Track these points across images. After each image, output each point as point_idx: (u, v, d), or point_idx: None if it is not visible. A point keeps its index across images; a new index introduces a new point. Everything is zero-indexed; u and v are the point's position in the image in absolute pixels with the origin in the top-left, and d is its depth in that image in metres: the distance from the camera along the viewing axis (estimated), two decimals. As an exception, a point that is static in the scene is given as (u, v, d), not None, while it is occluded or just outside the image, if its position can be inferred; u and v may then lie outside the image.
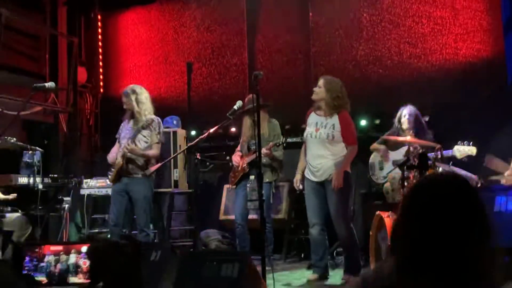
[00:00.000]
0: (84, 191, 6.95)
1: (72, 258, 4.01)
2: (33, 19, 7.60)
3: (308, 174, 5.19)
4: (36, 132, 7.63)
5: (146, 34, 8.67)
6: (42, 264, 4.07)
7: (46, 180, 6.28)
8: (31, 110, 7.24)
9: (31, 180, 5.95)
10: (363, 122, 7.02)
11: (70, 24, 8.52)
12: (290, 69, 7.76)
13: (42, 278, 4.09)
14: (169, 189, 6.70)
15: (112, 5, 8.84)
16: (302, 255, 6.76)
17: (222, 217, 7.06)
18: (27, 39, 7.60)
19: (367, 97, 7.03)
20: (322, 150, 5.07)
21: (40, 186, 6.04)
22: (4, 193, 5.84)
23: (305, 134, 5.25)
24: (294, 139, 6.35)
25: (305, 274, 5.52)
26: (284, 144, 5.67)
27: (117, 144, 5.68)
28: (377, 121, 6.91)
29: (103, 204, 7.08)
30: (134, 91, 5.58)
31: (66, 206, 6.77)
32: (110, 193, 6.26)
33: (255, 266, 3.42)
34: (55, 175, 6.67)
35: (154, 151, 5.53)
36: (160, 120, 5.63)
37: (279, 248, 6.65)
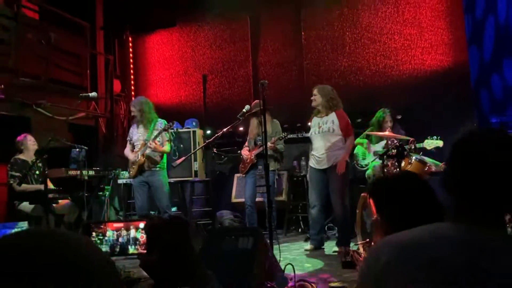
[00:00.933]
0: (121, 181, 6.94)
1: (132, 232, 4.01)
2: (76, 41, 7.55)
3: (313, 164, 5.17)
4: (80, 133, 7.59)
5: (168, 52, 8.64)
6: (106, 238, 4.08)
7: (90, 172, 6.25)
8: (77, 115, 7.21)
9: (78, 172, 5.92)
10: (347, 121, 6.99)
11: (106, 45, 8.47)
12: (287, 79, 7.73)
13: (106, 249, 4.06)
14: (191, 178, 6.68)
15: (140, 29, 8.80)
16: (300, 230, 6.76)
17: (233, 200, 7.04)
18: (71, 58, 7.55)
19: (350, 100, 6.93)
20: (325, 142, 5.03)
21: (86, 177, 6.01)
22: (54, 185, 5.83)
23: (310, 133, 5.23)
24: (291, 135, 6.33)
25: (303, 245, 5.51)
26: (286, 138, 5.66)
27: (129, 146, 5.65)
28: (359, 120, 6.86)
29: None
30: (138, 103, 5.56)
31: (107, 193, 6.76)
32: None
33: (266, 239, 3.40)
34: (97, 168, 6.64)
35: (167, 148, 5.53)
36: (166, 122, 5.54)
37: (281, 224, 6.65)
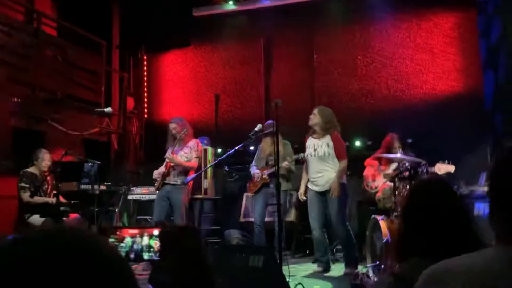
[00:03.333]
0: (131, 197, 6.93)
1: (145, 239, 4.05)
2: (92, 58, 7.68)
3: (311, 186, 5.16)
4: (93, 148, 7.64)
5: (182, 71, 8.74)
6: (122, 244, 4.12)
7: (101, 187, 6.27)
8: (90, 130, 7.28)
9: (90, 187, 5.94)
10: (357, 143, 7.01)
11: (121, 63, 8.61)
12: (298, 100, 7.74)
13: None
14: (200, 196, 6.67)
15: (155, 48, 8.93)
16: (308, 252, 6.67)
17: (242, 219, 6.99)
18: (87, 74, 7.66)
19: (361, 123, 7.02)
20: (321, 166, 5.05)
21: (96, 192, 6.03)
22: (66, 198, 5.85)
23: (306, 155, 5.25)
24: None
25: (311, 267, 5.45)
26: (303, 158, 5.66)
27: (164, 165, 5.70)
28: (369, 142, 6.89)
29: (145, 208, 7.07)
30: (182, 120, 5.68)
31: (116, 208, 6.77)
32: (152, 199, 6.29)
33: (276, 258, 3.37)
34: (108, 183, 6.66)
35: (193, 163, 5.56)
36: (198, 141, 5.67)
37: (289, 245, 6.57)
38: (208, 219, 7.29)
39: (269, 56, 8.07)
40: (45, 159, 5.64)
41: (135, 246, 4.09)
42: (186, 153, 5.55)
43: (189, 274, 1.02)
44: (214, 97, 7.93)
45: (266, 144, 5.82)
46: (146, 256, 3.99)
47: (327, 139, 5.04)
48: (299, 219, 6.80)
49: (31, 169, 5.62)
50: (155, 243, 3.94)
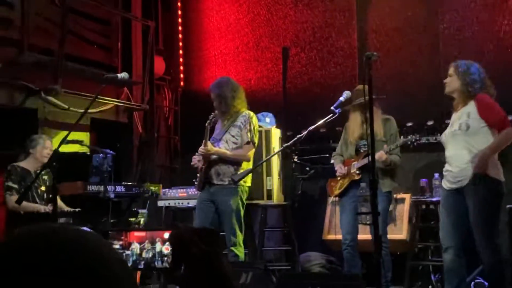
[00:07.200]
0: (162, 203, 7.09)
1: (157, 246, 4.38)
2: (102, 1, 7.88)
3: (443, 182, 4.97)
4: (106, 132, 7.88)
5: (234, 15, 8.77)
6: (129, 251, 4.47)
7: (119, 188, 6.44)
8: (102, 107, 7.51)
9: (102, 188, 6.12)
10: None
11: (145, 6, 8.76)
12: (412, 52, 7.54)
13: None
14: (261, 201, 6.70)
15: (194, -19, 9.03)
16: (430, 287, 6.54)
17: (326, 236, 6.96)
18: (95, 25, 7.87)
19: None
20: (458, 149, 4.80)
21: (111, 196, 6.19)
22: (68, 205, 6.08)
23: (441, 137, 5.08)
24: (422, 140, 6.13)
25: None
26: (416, 142, 5.51)
27: None
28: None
29: (183, 218, 7.21)
30: (218, 85, 5.74)
31: (142, 220, 6.95)
32: (192, 206, 6.41)
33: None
34: (129, 183, 6.83)
35: (243, 152, 5.62)
36: (252, 115, 5.67)
37: (400, 277, 6.46)
38: (275, 235, 7.32)
39: (365, -14, 7.91)
40: (46, 147, 5.90)
41: (144, 254, 4.46)
42: (234, 136, 5.58)
43: (203, 285, 1.20)
44: (281, 52, 7.91)
45: (355, 122, 5.74)
46: (158, 265, 4.42)
47: (469, 106, 4.82)
48: (415, 237, 6.67)
49: (23, 163, 5.91)
50: (166, 248, 4.31)
